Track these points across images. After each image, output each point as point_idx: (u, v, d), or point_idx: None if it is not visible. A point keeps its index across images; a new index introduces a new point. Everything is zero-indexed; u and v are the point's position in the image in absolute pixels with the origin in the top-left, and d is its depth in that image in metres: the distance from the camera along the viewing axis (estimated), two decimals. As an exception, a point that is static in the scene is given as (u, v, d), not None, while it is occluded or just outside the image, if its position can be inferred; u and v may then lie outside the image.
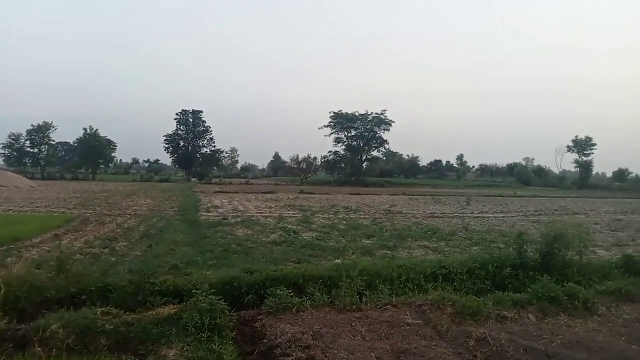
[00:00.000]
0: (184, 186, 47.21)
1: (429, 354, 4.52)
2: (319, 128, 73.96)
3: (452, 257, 8.92)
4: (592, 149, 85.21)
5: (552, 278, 7.02)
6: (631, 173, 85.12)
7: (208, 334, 4.77)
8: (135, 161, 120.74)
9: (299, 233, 13.49)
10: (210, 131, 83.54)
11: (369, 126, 72.53)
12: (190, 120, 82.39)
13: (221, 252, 9.86)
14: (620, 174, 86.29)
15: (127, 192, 33.51)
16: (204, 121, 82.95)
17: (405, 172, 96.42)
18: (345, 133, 73.32)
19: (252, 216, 18.50)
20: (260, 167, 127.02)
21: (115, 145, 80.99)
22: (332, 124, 72.92)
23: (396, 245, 11.73)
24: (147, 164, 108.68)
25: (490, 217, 22.04)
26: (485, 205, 29.78)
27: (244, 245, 10.88)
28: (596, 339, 5.13)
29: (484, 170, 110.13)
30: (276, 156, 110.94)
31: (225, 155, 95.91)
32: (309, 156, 71.15)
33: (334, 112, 72.61)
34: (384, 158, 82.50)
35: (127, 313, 5.29)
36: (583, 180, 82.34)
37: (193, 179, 66.62)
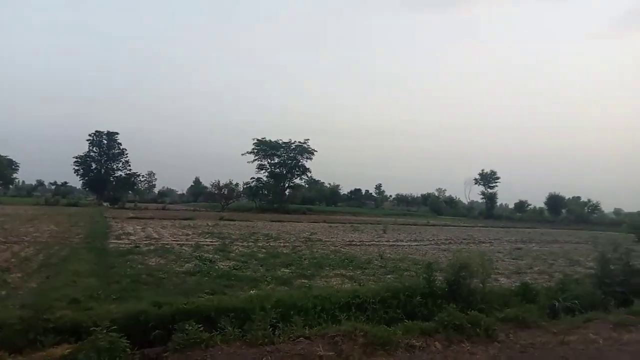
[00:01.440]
0: (94, 211, 44.26)
1: (340, 387, 4.52)
2: (242, 154, 73.29)
3: (367, 287, 9.11)
4: (496, 182, 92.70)
5: (458, 306, 7.35)
6: (530, 205, 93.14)
7: (105, 376, 4.43)
8: (40, 183, 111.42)
9: (215, 262, 13.12)
10: (126, 154, 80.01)
11: (292, 154, 73.25)
12: (105, 142, 78.47)
13: (130, 283, 9.31)
14: (521, 205, 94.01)
15: (29, 217, 30.72)
16: (120, 143, 79.39)
17: (327, 199, 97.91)
18: (269, 160, 73.40)
19: (166, 244, 17.70)
20: (180, 192, 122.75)
21: (17, 166, 74.63)
22: (256, 150, 72.76)
23: (314, 274, 11.77)
24: (53, 187, 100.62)
25: (404, 245, 22.89)
26: (400, 234, 30.90)
27: (155, 276, 10.36)
28: (496, 365, 5.42)
29: (401, 199, 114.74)
30: (197, 181, 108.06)
31: (142, 179, 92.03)
32: (230, 182, 69.73)
33: (258, 139, 72.68)
34: (307, 186, 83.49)
35: (12, 355, 4.77)
36: (489, 210, 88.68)
37: (105, 204, 62.71)
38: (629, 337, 6.89)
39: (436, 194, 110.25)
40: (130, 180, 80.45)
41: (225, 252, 15.67)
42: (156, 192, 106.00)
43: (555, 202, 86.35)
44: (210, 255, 14.53)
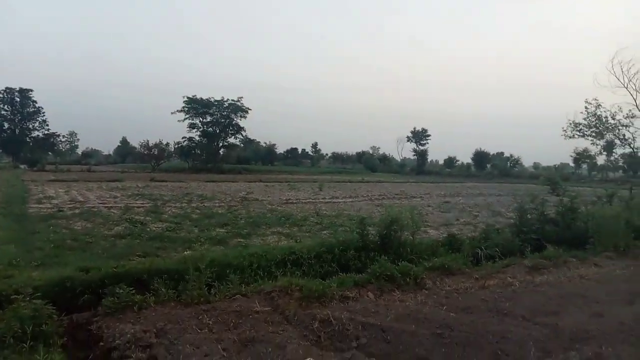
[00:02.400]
0: (10, 174, 41.02)
1: (275, 339, 4.61)
2: (172, 113, 69.89)
3: (302, 243, 9.23)
4: (427, 139, 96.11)
5: (390, 258, 7.69)
6: (458, 161, 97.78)
7: (31, 343, 4.22)
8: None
9: (147, 224, 12.70)
10: (43, 113, 73.99)
11: (225, 113, 70.82)
12: (17, 99, 71.94)
13: (53, 249, 8.81)
14: (450, 161, 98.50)
15: None
16: (35, 101, 73.10)
17: (263, 159, 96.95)
18: (201, 119, 70.51)
19: (93, 207, 16.86)
20: (106, 153, 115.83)
21: None
22: (186, 109, 69.47)
23: (250, 233, 11.74)
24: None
25: (340, 202, 23.36)
26: (336, 191, 31.44)
27: (81, 240, 9.87)
28: (423, 311, 5.76)
29: (336, 157, 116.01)
30: (124, 141, 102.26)
31: (63, 140, 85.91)
32: (160, 142, 66.72)
33: (188, 97, 69.27)
34: (242, 145, 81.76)
35: None
36: (420, 167, 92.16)
37: (22, 166, 58.32)
38: (541, 279, 7.56)
39: (370, 151, 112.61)
40: (49, 141, 74.96)
41: (157, 214, 15.20)
42: (79, 153, 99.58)
43: (480, 157, 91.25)
44: (141, 218, 14.04)
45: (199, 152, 71.27)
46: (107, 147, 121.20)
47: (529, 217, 10.61)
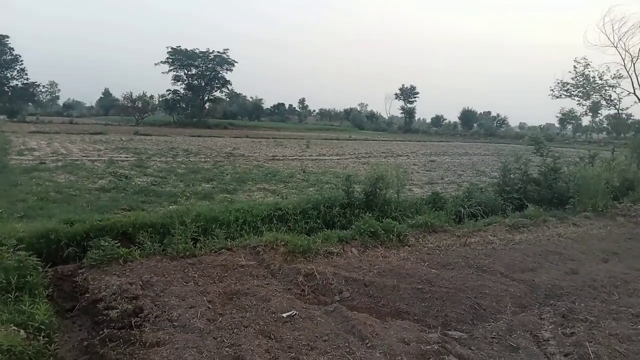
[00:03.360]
0: (-11, 125, 40.05)
1: (260, 292, 4.70)
2: (156, 64, 67.85)
3: (288, 199, 9.28)
4: (415, 97, 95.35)
5: (374, 215, 7.78)
6: (446, 119, 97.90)
7: (16, 294, 4.23)
8: None
9: (131, 178, 12.63)
10: (21, 61, 71.17)
11: (210, 65, 68.95)
12: (-8, 46, 68.98)
13: (36, 201, 8.75)
14: (437, 120, 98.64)
15: None
16: (12, 48, 70.08)
17: (249, 114, 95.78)
18: (185, 71, 68.59)
19: (76, 160, 16.65)
20: (88, 105, 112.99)
21: None
22: (171, 60, 67.47)
23: (236, 189, 11.76)
24: None
25: (327, 159, 23.39)
26: (323, 148, 31.40)
27: (65, 193, 9.80)
28: (405, 267, 5.89)
29: (324, 114, 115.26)
30: (106, 93, 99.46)
31: (43, 90, 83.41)
32: (144, 94, 65.09)
33: (172, 48, 67.14)
34: (228, 99, 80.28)
35: None
36: (407, 125, 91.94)
37: (1, 117, 56.80)
38: (520, 237, 7.76)
39: (358, 109, 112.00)
40: (28, 91, 72.51)
41: (142, 168, 15.09)
42: (60, 104, 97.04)
43: (468, 116, 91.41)
44: (126, 172, 13.92)
45: (184, 105, 69.83)
46: (89, 98, 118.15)
47: (512, 177, 10.75)
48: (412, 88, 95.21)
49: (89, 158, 17.62)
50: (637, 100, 18.26)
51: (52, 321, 3.89)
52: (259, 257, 5.78)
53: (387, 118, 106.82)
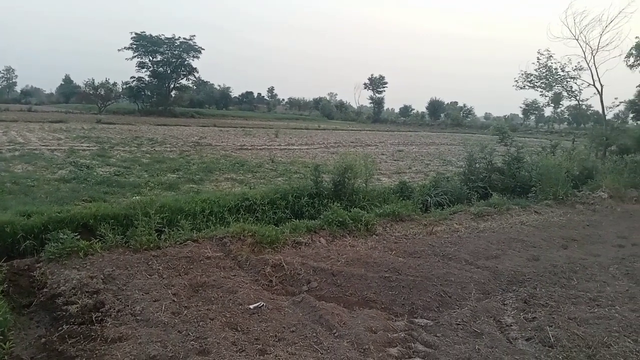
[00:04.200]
0: (-60, 112, 37.97)
1: (227, 284, 4.63)
2: (119, 50, 65.46)
3: (256, 189, 9.17)
4: (384, 87, 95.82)
5: (342, 204, 7.80)
6: (414, 109, 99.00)
7: (-32, 291, 4.04)
8: None
9: (93, 168, 12.21)
10: (-26, 45, 67.75)
11: (176, 52, 66.99)
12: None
13: (-9, 192, 8.34)
14: (405, 110, 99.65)
15: None
16: (-36, 31, 66.65)
17: (217, 102, 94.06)
18: (150, 58, 66.51)
19: (34, 149, 15.96)
20: (48, 92, 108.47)
21: None
22: (135, 46, 65.24)
23: (203, 179, 11.56)
24: None
25: (296, 149, 23.27)
26: (292, 138, 31.23)
27: (22, 184, 9.39)
28: (373, 255, 5.92)
29: (293, 103, 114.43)
30: (67, 80, 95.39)
31: (-1, 77, 79.57)
32: (107, 81, 62.82)
33: (136, 34, 64.90)
34: (194, 87, 78.54)
35: None
36: (376, 115, 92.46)
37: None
38: (485, 225, 7.93)
39: (328, 98, 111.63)
40: (-18, 78, 69.31)
41: (105, 158, 14.64)
42: (18, 91, 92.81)
43: (435, 107, 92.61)
44: (88, 161, 13.47)
45: (149, 93, 67.83)
46: (49, 85, 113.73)
47: (477, 167, 10.96)
48: (381, 78, 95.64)
49: (48, 147, 16.93)
50: (596, 92, 18.90)
51: (7, 318, 3.72)
52: (226, 249, 5.69)
53: (356, 108, 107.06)
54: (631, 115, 33.71)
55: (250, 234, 5.99)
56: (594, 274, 5.70)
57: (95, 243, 5.33)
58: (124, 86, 66.34)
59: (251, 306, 4.15)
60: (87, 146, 18.23)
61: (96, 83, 61.50)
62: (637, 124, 25.07)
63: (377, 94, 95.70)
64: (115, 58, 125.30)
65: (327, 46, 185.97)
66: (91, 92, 62.01)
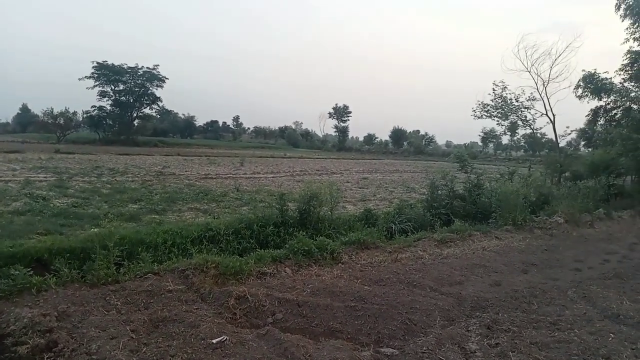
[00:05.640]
0: None
1: (189, 318, 4.49)
2: (80, 79, 64.28)
3: (221, 219, 9.03)
4: (348, 116, 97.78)
5: (308, 233, 7.78)
6: (377, 138, 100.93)
7: None
8: None
9: (50, 200, 11.77)
10: None
11: (139, 81, 66.33)
12: None
13: (-63, 227, 7.89)
14: (369, 138, 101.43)
15: None
16: None
17: (181, 131, 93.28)
18: (112, 87, 65.58)
19: (-13, 181, 15.29)
20: (3, 121, 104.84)
21: None
22: (96, 75, 64.32)
23: (165, 209, 11.32)
24: None
25: (261, 177, 23.20)
26: (257, 166, 31.16)
27: (-29, 218, 8.93)
28: (339, 284, 5.89)
29: (259, 132, 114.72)
30: (24, 109, 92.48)
31: (-50, 105, 76.21)
32: (67, 110, 61.29)
33: (98, 63, 64.00)
34: (158, 116, 77.59)
35: None
36: (341, 143, 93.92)
37: None
38: (448, 252, 8.05)
39: (293, 127, 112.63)
40: None
41: (63, 189, 14.13)
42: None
43: (398, 135, 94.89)
44: (44, 192, 12.97)
45: (110, 122, 66.53)
46: (5, 114, 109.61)
47: (439, 193, 11.18)
48: (345, 107, 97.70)
49: (2, 179, 16.22)
50: (549, 121, 19.80)
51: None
52: (188, 281, 5.54)
53: (321, 136, 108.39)
54: (582, 143, 35.46)
55: (214, 265, 5.86)
56: (553, 298, 5.86)
57: (50, 278, 5.09)
58: (85, 115, 64.95)
59: (214, 341, 4.03)
60: (44, 177, 17.58)
61: (55, 112, 59.96)
62: (588, 151, 26.29)
63: (341, 123, 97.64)
64: (75, 87, 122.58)
65: (292, 76, 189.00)
66: (50, 121, 60.34)
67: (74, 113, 63.18)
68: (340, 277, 6.34)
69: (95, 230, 6.90)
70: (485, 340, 4.47)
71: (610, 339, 4.53)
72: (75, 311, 4.49)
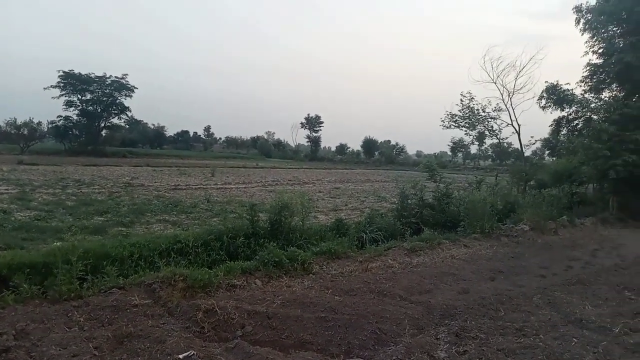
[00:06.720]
0: None
1: (155, 333, 4.38)
2: (45, 88, 62.44)
3: (190, 231, 8.89)
4: (320, 126, 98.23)
5: (279, 244, 7.71)
6: (349, 147, 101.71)
7: None
8: None
9: (11, 213, 11.36)
10: None
11: (107, 91, 64.80)
12: None
13: None
14: (341, 148, 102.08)
15: None
16: None
17: (151, 142, 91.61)
18: (79, 96, 63.89)
19: (-57, 194, 14.65)
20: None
21: None
22: (62, 84, 62.60)
23: (133, 222, 11.08)
24: None
25: (233, 188, 23.00)
26: (229, 177, 30.89)
27: None
28: (309, 295, 5.87)
29: (230, 142, 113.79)
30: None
31: None
32: (31, 120, 59.38)
33: (64, 72, 62.29)
34: (127, 126, 76.01)
35: None
36: (313, 153, 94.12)
37: None
38: (418, 260, 8.14)
39: (265, 137, 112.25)
40: None
41: (25, 201, 13.66)
42: None
43: (369, 145, 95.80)
44: (5, 205, 12.51)
45: (77, 132, 64.77)
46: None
47: (409, 202, 11.31)
48: (317, 118, 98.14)
49: (-41, 191, 15.60)
50: (515, 131, 20.38)
51: None
52: (155, 295, 5.41)
53: (293, 146, 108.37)
54: (547, 152, 36.58)
55: (182, 278, 5.75)
56: (519, 305, 5.98)
57: (8, 295, 4.89)
58: (50, 125, 63.04)
59: (180, 356, 3.94)
60: (6, 189, 16.95)
61: (19, 122, 58.03)
62: (552, 160, 27.15)
63: (313, 133, 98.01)
64: (41, 96, 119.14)
65: (264, 85, 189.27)
66: (13, 132, 58.31)
67: (39, 123, 61.26)
68: (311, 287, 6.32)
69: (58, 244, 6.66)
70: (453, 347, 4.52)
71: (573, 343, 4.65)
72: (34, 329, 4.32)
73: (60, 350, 3.96)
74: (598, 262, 8.93)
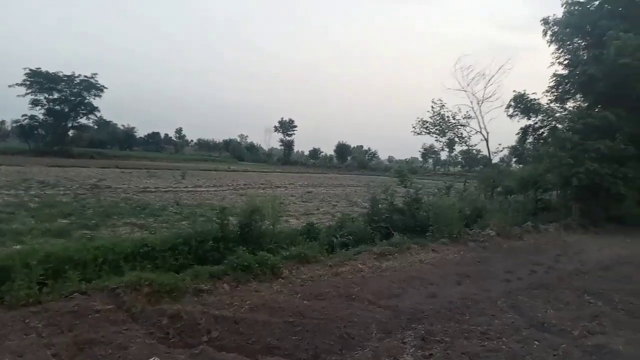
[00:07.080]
0: None
1: (117, 339, 4.27)
2: (10, 86, 60.50)
3: (157, 235, 8.73)
4: (294, 130, 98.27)
5: (249, 248, 7.62)
6: (322, 152, 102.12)
7: None
8: None
9: (-32, 215, 10.90)
10: None
11: (76, 90, 63.17)
12: None
13: None
14: (314, 153, 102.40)
15: None
16: None
17: (120, 143, 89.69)
18: (46, 95, 62.09)
19: None
20: None
21: None
22: (28, 82, 60.72)
23: (98, 225, 10.78)
24: None
25: (203, 191, 22.72)
26: (200, 180, 30.50)
27: None
28: (278, 300, 5.84)
29: (202, 144, 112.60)
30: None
31: None
32: (-6, 119, 57.56)
33: (31, 70, 60.47)
34: (95, 127, 74.18)
35: None
36: (286, 157, 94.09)
37: None
38: (387, 265, 8.20)
39: (238, 140, 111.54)
40: None
41: (-16, 203, 13.15)
42: None
43: (342, 150, 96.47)
44: (-38, 207, 12.01)
45: (43, 132, 62.91)
46: None
47: (380, 207, 11.40)
48: (291, 122, 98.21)
49: None
50: (483, 138, 20.82)
51: None
52: (119, 300, 5.27)
53: (266, 150, 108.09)
54: (514, 159, 37.51)
55: (148, 282, 5.62)
56: (484, 308, 6.10)
57: (-39, 302, 4.69)
58: (14, 124, 61.00)
59: (143, 362, 3.85)
60: (-37, 190, 16.29)
61: (-20, 121, 55.91)
62: (518, 167, 27.86)
63: (287, 137, 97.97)
64: (4, 94, 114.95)
65: (237, 88, 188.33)
66: (-27, 131, 56.15)
67: (2, 122, 59.49)
68: (280, 292, 6.28)
69: (18, 247, 6.43)
70: (419, 351, 4.57)
71: (535, 346, 4.77)
72: (-11, 336, 4.15)
73: (16, 358, 3.82)
74: (560, 267, 9.19)
